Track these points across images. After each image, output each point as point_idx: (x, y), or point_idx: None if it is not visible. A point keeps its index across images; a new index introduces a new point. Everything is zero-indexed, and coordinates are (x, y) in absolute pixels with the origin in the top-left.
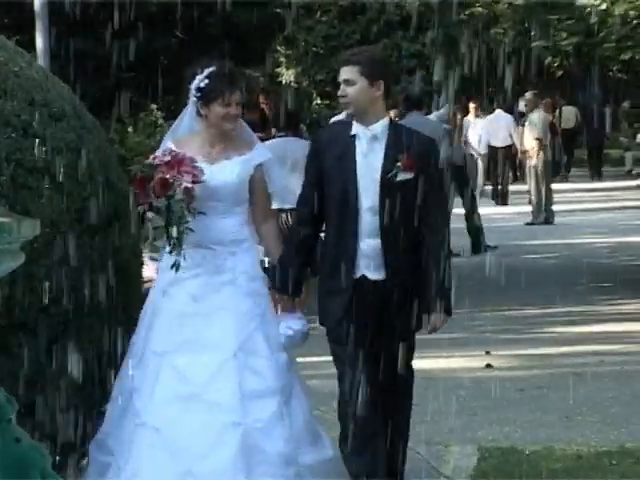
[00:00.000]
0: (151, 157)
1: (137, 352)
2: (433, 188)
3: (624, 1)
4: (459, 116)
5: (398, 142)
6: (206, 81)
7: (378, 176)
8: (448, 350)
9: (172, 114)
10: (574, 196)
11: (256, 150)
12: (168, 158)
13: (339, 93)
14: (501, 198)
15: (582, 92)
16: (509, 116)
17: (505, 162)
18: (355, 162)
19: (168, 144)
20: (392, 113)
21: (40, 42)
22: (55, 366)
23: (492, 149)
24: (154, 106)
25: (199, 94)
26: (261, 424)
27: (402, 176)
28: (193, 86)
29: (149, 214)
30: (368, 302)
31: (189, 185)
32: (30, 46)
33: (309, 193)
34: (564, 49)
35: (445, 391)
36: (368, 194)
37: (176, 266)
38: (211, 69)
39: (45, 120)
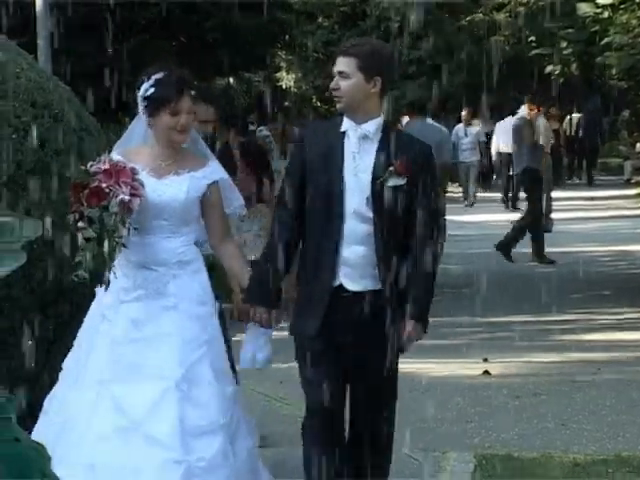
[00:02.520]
0: (89, 164)
1: (71, 377)
2: (426, 198)
3: (626, 10)
4: (534, 120)
5: (392, 144)
6: (152, 89)
7: (367, 179)
8: (446, 357)
9: None
10: (572, 204)
11: (210, 167)
12: (107, 166)
13: (331, 85)
14: (512, 203)
15: (582, 100)
16: None
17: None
18: (342, 161)
19: (115, 156)
20: (406, 118)
21: (41, 44)
22: (54, 367)
23: (502, 155)
24: None
25: (145, 103)
26: (204, 463)
27: (394, 182)
28: (139, 95)
29: (80, 224)
30: (345, 315)
31: (126, 198)
32: (31, 48)
33: (290, 193)
34: (565, 57)
35: (442, 398)
36: (354, 197)
37: (106, 283)
38: (157, 75)
39: (46, 121)
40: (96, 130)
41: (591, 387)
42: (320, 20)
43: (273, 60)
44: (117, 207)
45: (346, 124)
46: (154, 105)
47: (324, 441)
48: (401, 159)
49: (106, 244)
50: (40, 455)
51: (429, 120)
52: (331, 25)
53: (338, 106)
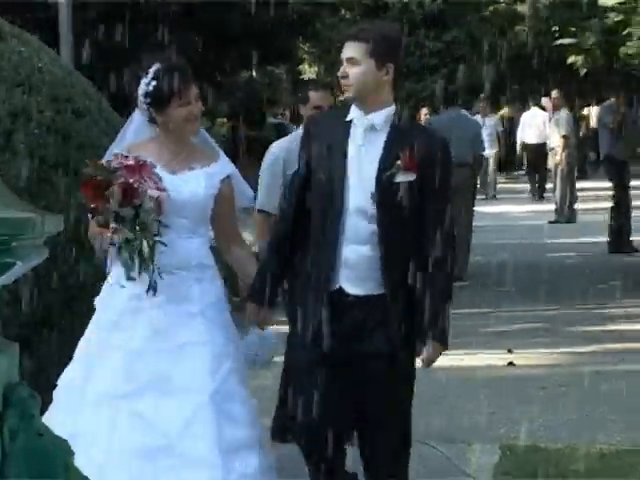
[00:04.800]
0: (105, 160)
1: (74, 393)
2: (437, 196)
3: None
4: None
5: (401, 137)
6: (154, 82)
7: (372, 173)
8: (470, 348)
9: None
10: (597, 194)
11: (220, 162)
12: (130, 161)
13: (339, 73)
14: (539, 194)
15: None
16: (545, 114)
17: (539, 159)
18: (346, 153)
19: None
20: (424, 111)
21: (63, 38)
22: None
23: (526, 146)
24: None
25: (149, 99)
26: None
27: (401, 177)
28: (140, 92)
29: (113, 224)
30: (345, 322)
31: (156, 193)
32: (53, 42)
33: (297, 184)
34: (587, 47)
35: (467, 389)
36: (357, 193)
37: (152, 288)
38: (156, 67)
39: (68, 116)
40: (118, 124)
41: (616, 378)
42: (343, 12)
43: (295, 53)
44: (151, 204)
45: (353, 113)
46: (160, 99)
47: (324, 467)
48: (410, 153)
49: (145, 244)
50: (64, 450)
51: (463, 111)
52: (353, 17)
53: (346, 95)
